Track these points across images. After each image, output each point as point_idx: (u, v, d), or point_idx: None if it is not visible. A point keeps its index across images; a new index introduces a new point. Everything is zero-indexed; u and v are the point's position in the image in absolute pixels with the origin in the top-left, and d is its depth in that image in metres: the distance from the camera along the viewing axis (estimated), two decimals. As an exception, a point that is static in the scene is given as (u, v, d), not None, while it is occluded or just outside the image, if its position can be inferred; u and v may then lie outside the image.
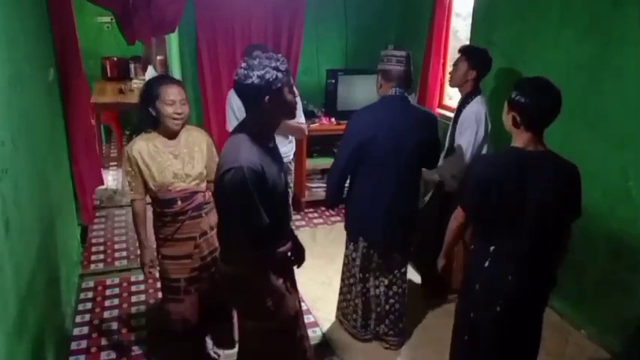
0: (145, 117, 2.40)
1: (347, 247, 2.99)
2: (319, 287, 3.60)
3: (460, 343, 2.33)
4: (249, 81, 1.82)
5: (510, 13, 3.68)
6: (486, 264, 2.13)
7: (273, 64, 1.85)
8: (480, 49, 3.24)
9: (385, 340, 3.04)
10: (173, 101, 2.35)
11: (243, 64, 1.87)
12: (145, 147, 2.40)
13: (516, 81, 2.12)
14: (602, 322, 3.05)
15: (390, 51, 2.74)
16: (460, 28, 4.81)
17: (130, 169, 2.41)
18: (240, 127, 1.98)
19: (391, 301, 2.96)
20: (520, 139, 2.06)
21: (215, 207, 2.08)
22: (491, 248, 2.12)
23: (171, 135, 2.45)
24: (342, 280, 3.10)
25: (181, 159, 2.45)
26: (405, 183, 2.77)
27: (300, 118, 3.52)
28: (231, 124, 3.29)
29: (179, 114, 2.38)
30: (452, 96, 5.02)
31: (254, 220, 1.86)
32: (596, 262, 3.06)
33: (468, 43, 4.24)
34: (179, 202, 2.45)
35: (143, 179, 2.42)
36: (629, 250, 2.86)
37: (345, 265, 3.05)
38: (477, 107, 3.14)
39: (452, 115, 4.52)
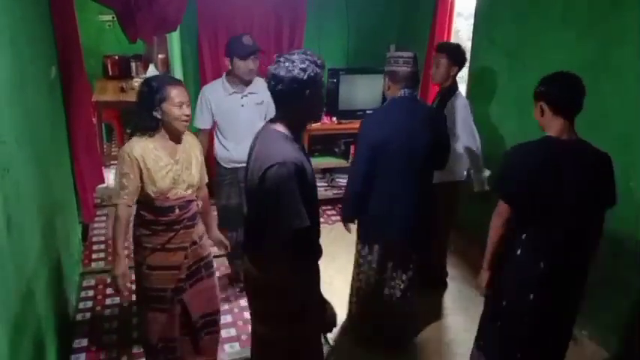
0: (147, 120, 2.27)
1: (361, 249, 2.93)
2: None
3: (493, 330, 2.36)
4: (293, 74, 1.78)
5: (512, 13, 3.68)
6: (518, 252, 2.18)
7: (312, 59, 1.83)
8: (455, 44, 3.40)
9: (390, 340, 3.03)
10: (181, 102, 2.26)
11: (282, 59, 1.82)
12: (147, 150, 2.27)
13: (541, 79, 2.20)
14: (602, 322, 3.05)
15: (396, 52, 2.77)
16: (462, 28, 4.81)
17: (127, 171, 2.24)
18: (272, 124, 1.92)
19: (402, 302, 2.94)
20: (552, 128, 2.13)
21: (249, 206, 1.99)
22: (523, 236, 2.17)
23: (174, 139, 2.35)
24: (356, 279, 3.02)
25: (181, 164, 2.36)
26: (420, 183, 2.77)
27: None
28: (203, 121, 3.20)
29: (188, 115, 2.30)
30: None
31: (298, 219, 1.78)
32: (597, 262, 3.06)
33: (469, 42, 4.24)
34: (177, 211, 2.36)
35: (140, 184, 2.28)
36: (630, 251, 2.86)
37: (359, 265, 2.96)
38: (464, 99, 3.36)
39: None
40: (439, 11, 4.48)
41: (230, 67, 3.13)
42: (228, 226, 3.28)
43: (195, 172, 2.43)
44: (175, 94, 2.25)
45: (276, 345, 2.06)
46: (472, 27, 4.20)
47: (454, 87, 3.35)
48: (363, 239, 2.91)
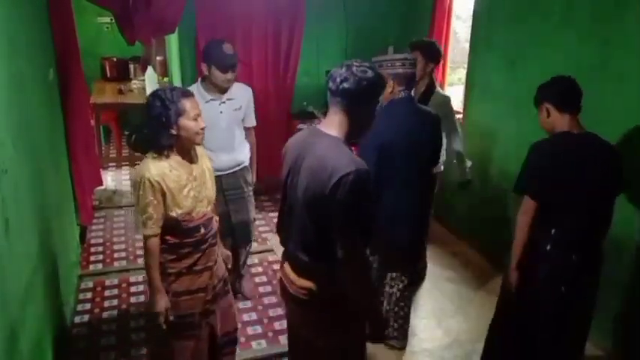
0: (164, 138, 2.08)
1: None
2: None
3: (506, 334, 2.43)
4: (370, 76, 1.76)
5: (510, 15, 3.69)
6: (548, 247, 2.25)
7: (373, 65, 1.83)
8: (430, 41, 3.40)
9: (390, 342, 3.03)
10: (197, 115, 2.11)
11: (356, 62, 1.78)
12: (165, 170, 2.09)
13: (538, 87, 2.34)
14: (601, 322, 3.04)
15: (399, 54, 2.75)
16: (460, 30, 4.82)
17: (152, 198, 2.05)
18: (323, 129, 1.84)
19: (401, 304, 2.95)
20: (562, 125, 2.24)
21: (314, 219, 1.82)
22: (553, 231, 2.24)
23: (188, 154, 2.20)
24: None
25: (199, 180, 2.21)
26: (423, 184, 2.77)
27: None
28: None
29: (203, 129, 2.15)
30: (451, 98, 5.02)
31: (370, 224, 1.77)
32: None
33: (467, 45, 4.25)
34: (202, 230, 2.21)
35: (164, 209, 2.11)
36: (628, 251, 2.86)
37: None
38: (444, 96, 3.42)
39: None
40: (437, 13, 4.49)
41: (206, 73, 2.95)
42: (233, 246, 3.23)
43: (212, 184, 2.31)
44: (190, 106, 2.10)
45: (334, 353, 2.00)
46: (470, 29, 4.20)
47: (432, 85, 3.36)
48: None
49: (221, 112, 3.01)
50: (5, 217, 1.88)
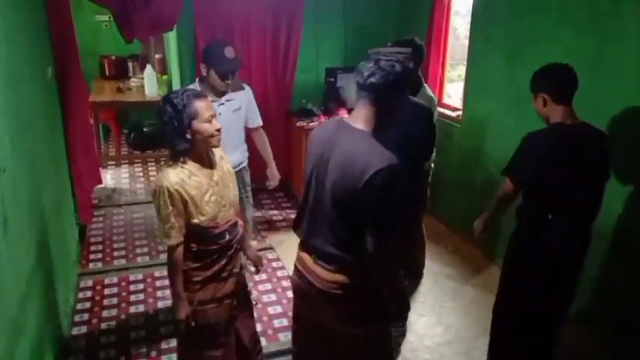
0: (180, 144, 2.00)
1: None
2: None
3: (513, 294, 2.55)
4: (397, 70, 1.76)
5: (509, 10, 3.68)
6: (545, 232, 2.36)
7: (400, 58, 1.84)
8: (408, 39, 3.32)
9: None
10: (211, 116, 2.04)
11: (380, 57, 1.78)
12: (184, 177, 2.02)
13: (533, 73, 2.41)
14: (601, 320, 3.05)
15: (394, 48, 2.75)
16: (459, 26, 4.81)
17: (172, 207, 1.99)
18: (351, 123, 1.84)
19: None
20: (556, 115, 2.30)
21: (343, 213, 1.82)
22: (550, 216, 2.33)
23: (206, 158, 2.13)
24: None
25: (221, 184, 2.15)
26: (415, 179, 2.84)
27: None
28: None
29: (219, 130, 2.07)
30: (451, 94, 5.02)
31: (403, 217, 1.82)
32: (597, 259, 3.06)
33: (467, 41, 4.24)
34: (227, 236, 2.16)
35: (186, 217, 2.05)
36: (629, 248, 2.86)
37: None
38: (430, 94, 3.36)
39: (451, 113, 4.54)
40: (436, 9, 4.49)
41: (204, 75, 2.88)
42: None
43: (234, 188, 2.25)
44: (203, 108, 2.02)
45: (370, 342, 2.01)
46: (469, 25, 4.20)
47: (419, 82, 3.32)
48: None
49: (220, 114, 2.89)
50: (4, 216, 1.88)
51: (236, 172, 3.10)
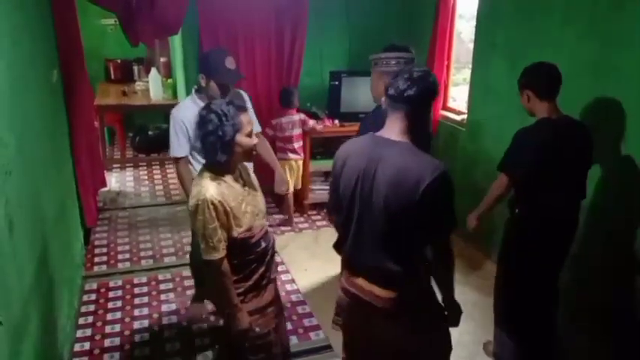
0: (221, 155, 1.95)
1: None
2: (322, 289, 3.59)
3: (513, 296, 2.74)
4: (431, 81, 1.81)
5: (514, 14, 3.68)
6: (538, 219, 2.56)
7: (427, 69, 1.89)
8: (402, 45, 3.19)
9: None
10: (251, 131, 2.02)
11: (412, 70, 1.82)
12: (224, 189, 1.98)
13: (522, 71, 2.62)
14: (600, 321, 3.03)
15: (394, 53, 2.74)
16: (464, 30, 4.80)
17: (216, 221, 1.94)
18: (393, 136, 1.84)
19: None
20: (542, 111, 2.51)
21: (399, 226, 1.82)
22: (541, 206, 2.54)
23: (237, 169, 2.10)
24: None
25: (250, 192, 2.13)
26: None
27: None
28: (181, 148, 2.83)
29: (255, 145, 2.06)
30: (455, 98, 5.02)
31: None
32: (596, 261, 3.05)
33: (472, 45, 4.24)
34: (262, 244, 2.13)
35: (227, 230, 2.01)
36: (629, 250, 2.84)
37: None
38: None
39: (456, 117, 4.53)
40: (441, 13, 4.48)
41: (203, 85, 2.77)
42: None
43: (261, 195, 2.21)
44: (246, 121, 1.99)
45: (435, 350, 2.04)
46: (474, 29, 4.19)
47: None
48: None
49: None
50: (9, 218, 1.89)
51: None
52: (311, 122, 4.52)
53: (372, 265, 1.89)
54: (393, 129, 1.85)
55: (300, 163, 4.63)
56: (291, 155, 4.54)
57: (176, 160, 2.89)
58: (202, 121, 1.96)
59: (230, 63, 2.72)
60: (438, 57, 4.56)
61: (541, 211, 2.56)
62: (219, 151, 1.95)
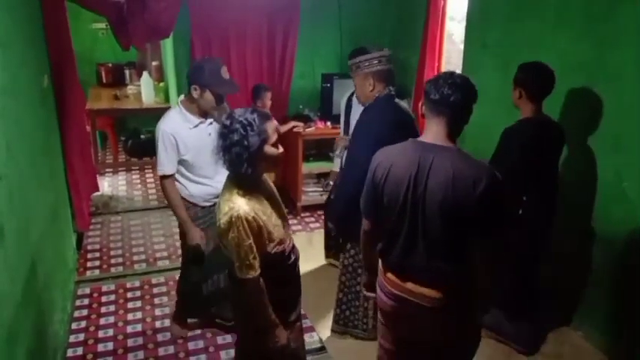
0: (247, 166, 1.87)
1: (350, 257, 2.96)
2: (315, 291, 3.59)
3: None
4: (472, 85, 1.89)
5: (505, 15, 3.70)
6: (522, 211, 2.77)
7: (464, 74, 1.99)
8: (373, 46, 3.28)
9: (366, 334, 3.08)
10: (277, 140, 1.93)
11: (453, 75, 1.89)
12: (255, 204, 1.89)
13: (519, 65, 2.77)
14: (598, 323, 3.05)
15: (375, 53, 2.76)
16: (455, 32, 4.83)
17: (251, 237, 1.85)
18: (441, 141, 1.89)
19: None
20: (527, 111, 2.72)
21: (455, 227, 1.86)
22: (524, 198, 2.77)
23: (261, 180, 2.04)
24: (343, 290, 3.04)
25: (276, 202, 2.05)
26: None
27: None
28: (171, 165, 2.67)
29: (282, 154, 1.98)
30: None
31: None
32: (591, 263, 3.07)
33: (462, 46, 4.26)
34: (292, 257, 2.06)
35: (261, 245, 1.91)
36: (624, 251, 2.86)
37: (348, 273, 3.00)
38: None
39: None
40: (431, 15, 4.50)
41: (195, 97, 2.61)
42: (209, 276, 2.93)
43: (282, 205, 2.12)
44: (272, 130, 1.90)
45: (477, 342, 2.12)
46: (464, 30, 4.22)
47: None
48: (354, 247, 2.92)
49: (210, 134, 2.65)
50: (0, 223, 1.88)
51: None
52: (274, 123, 4.41)
53: (424, 267, 1.93)
54: (438, 133, 1.89)
55: None
56: None
57: (164, 178, 2.70)
58: (227, 132, 1.85)
59: (225, 73, 2.64)
60: (428, 58, 4.59)
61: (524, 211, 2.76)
62: (245, 163, 1.85)
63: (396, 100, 2.80)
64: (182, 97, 2.74)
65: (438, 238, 1.88)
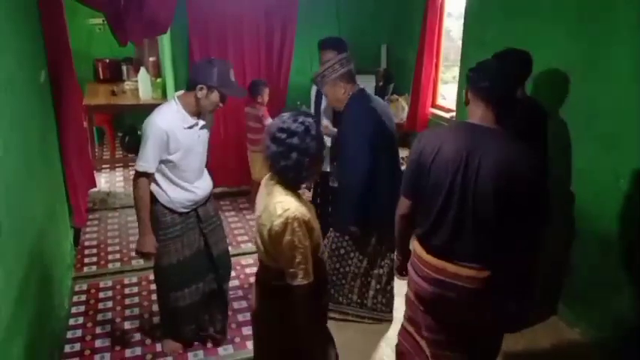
0: (307, 172, 1.84)
1: (344, 241, 3.02)
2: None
3: None
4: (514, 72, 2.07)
5: (502, 12, 3.70)
6: None
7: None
8: (336, 37, 3.51)
9: (380, 314, 3.20)
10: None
11: (493, 64, 2.07)
12: (305, 207, 1.84)
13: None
14: (595, 320, 3.06)
15: (333, 59, 2.85)
16: (453, 28, 4.83)
17: (308, 241, 1.79)
18: (488, 125, 1.96)
19: (387, 278, 3.12)
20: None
21: (507, 209, 1.88)
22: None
23: None
24: (335, 270, 3.10)
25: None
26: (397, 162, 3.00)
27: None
28: (154, 163, 2.52)
29: None
30: (445, 96, 5.04)
31: None
32: (588, 260, 3.08)
33: (460, 43, 4.26)
34: (325, 258, 2.04)
35: (312, 248, 1.85)
36: (619, 249, 2.87)
37: (335, 257, 3.05)
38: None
39: (445, 115, 4.56)
40: (429, 12, 4.50)
41: (200, 96, 2.48)
42: (187, 285, 2.76)
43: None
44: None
45: (500, 326, 2.16)
46: (462, 27, 4.22)
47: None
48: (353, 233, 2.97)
49: (199, 137, 2.60)
50: (-3, 219, 1.88)
51: (211, 197, 2.81)
52: (267, 120, 4.39)
53: (471, 248, 1.94)
54: (486, 117, 1.96)
55: (255, 155, 4.49)
56: (248, 145, 4.58)
57: (142, 176, 2.52)
58: (285, 136, 1.78)
59: (233, 75, 2.56)
60: (427, 55, 4.59)
61: None
62: (304, 168, 1.81)
63: (367, 91, 2.93)
64: (180, 93, 2.60)
65: (489, 218, 1.89)
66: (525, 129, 2.56)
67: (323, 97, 3.49)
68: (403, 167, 2.98)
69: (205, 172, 2.78)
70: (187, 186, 2.62)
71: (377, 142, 2.78)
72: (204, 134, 2.66)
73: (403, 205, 2.14)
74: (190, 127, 2.55)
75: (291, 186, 1.87)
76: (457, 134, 1.97)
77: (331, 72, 2.81)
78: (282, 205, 1.78)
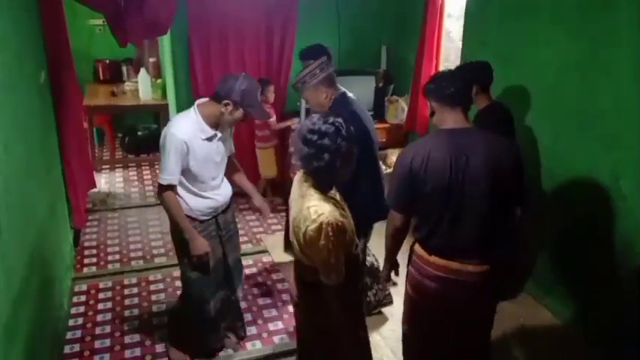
0: (338, 176, 1.89)
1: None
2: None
3: None
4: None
5: (502, 13, 3.70)
6: None
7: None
8: (316, 45, 3.51)
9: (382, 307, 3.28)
10: None
11: (454, 72, 2.27)
12: (336, 207, 1.85)
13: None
14: (593, 319, 3.06)
15: (312, 65, 2.78)
16: (453, 29, 4.82)
17: (341, 244, 1.82)
18: (468, 125, 2.11)
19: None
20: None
21: (501, 200, 2.04)
22: None
23: None
24: None
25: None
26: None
27: None
28: (176, 176, 2.49)
29: None
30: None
31: None
32: (587, 259, 3.08)
33: (460, 43, 4.25)
34: (358, 252, 2.05)
35: (347, 248, 1.89)
36: (619, 248, 2.87)
37: None
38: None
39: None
40: (429, 12, 4.49)
41: (223, 111, 2.47)
42: (214, 295, 2.77)
43: None
44: None
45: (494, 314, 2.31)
46: (462, 27, 4.21)
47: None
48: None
49: (217, 147, 2.60)
50: (-3, 219, 1.88)
51: (231, 204, 2.82)
52: (271, 120, 4.49)
53: (471, 243, 2.05)
54: (460, 119, 2.07)
55: (266, 151, 4.65)
56: (257, 143, 4.65)
57: (168, 188, 2.49)
58: (316, 138, 1.79)
59: (259, 95, 2.60)
60: (426, 56, 4.59)
61: None
62: (336, 168, 1.82)
63: (348, 94, 2.91)
64: (201, 101, 2.55)
65: (485, 212, 2.01)
66: (494, 130, 2.70)
67: None
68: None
69: (224, 179, 2.77)
70: (207, 194, 2.62)
71: (361, 146, 2.75)
72: (222, 145, 2.64)
73: (397, 219, 2.16)
74: (209, 140, 2.52)
75: (322, 187, 1.88)
76: (440, 140, 2.06)
77: (311, 77, 2.76)
78: (316, 209, 1.79)
